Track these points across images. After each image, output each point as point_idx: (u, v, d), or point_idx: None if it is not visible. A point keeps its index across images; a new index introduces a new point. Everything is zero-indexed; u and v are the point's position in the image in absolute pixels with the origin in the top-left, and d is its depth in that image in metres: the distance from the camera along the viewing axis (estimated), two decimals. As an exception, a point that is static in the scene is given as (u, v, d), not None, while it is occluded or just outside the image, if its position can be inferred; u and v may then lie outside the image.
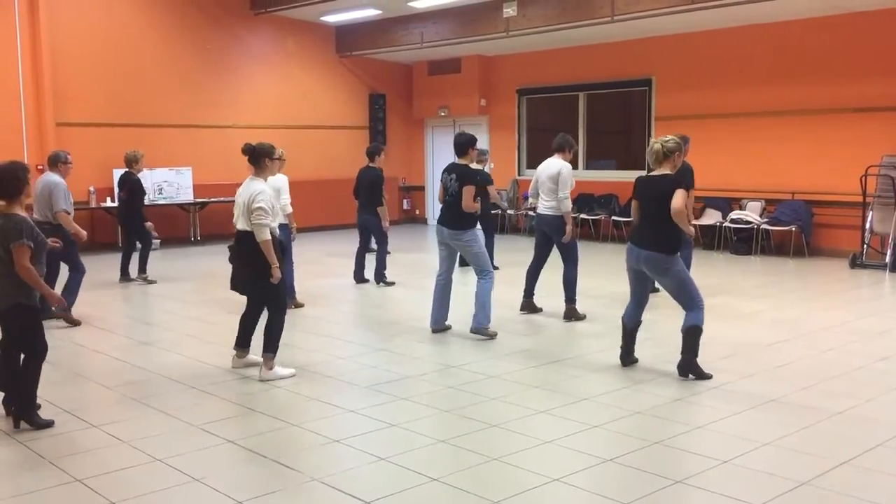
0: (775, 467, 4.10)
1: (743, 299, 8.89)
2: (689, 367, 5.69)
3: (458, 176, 6.95)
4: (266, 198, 5.65)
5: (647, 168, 6.52)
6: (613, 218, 14.18)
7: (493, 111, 16.72)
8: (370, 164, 9.91)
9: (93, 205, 13.09)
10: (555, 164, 7.75)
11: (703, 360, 5.88)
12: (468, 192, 6.84)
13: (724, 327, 7.45)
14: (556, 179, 7.66)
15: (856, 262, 10.95)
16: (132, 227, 10.20)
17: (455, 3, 13.55)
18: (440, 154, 17.64)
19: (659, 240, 5.61)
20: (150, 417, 5.01)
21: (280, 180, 8.30)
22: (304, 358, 6.36)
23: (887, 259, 10.69)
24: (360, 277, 10.07)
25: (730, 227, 12.64)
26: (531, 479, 3.99)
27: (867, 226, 11.08)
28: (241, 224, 5.72)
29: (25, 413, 4.75)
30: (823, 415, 4.90)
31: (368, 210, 9.88)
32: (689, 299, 5.68)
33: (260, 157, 5.80)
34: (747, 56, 12.84)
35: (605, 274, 10.28)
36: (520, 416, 4.93)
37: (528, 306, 8.07)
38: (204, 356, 6.48)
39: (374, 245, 10.14)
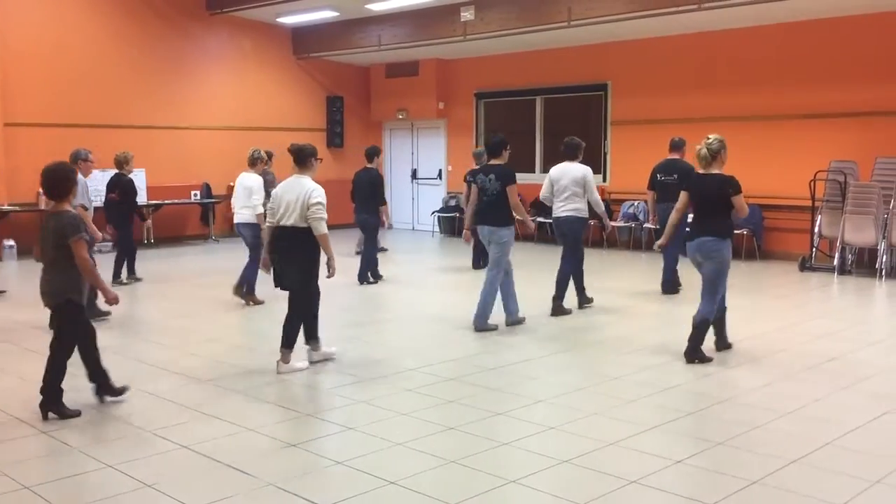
0: (727, 466, 4.18)
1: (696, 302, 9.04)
2: (697, 355, 6.27)
3: (497, 176, 7.29)
4: (322, 193, 5.93)
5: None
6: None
7: (451, 114, 16.76)
8: (368, 166, 10.46)
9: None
10: (577, 169, 8.17)
11: (658, 363, 5.98)
12: (513, 191, 7.27)
13: (681, 330, 7.57)
14: (581, 183, 8.11)
15: (805, 265, 11.19)
16: (127, 228, 10.17)
17: (413, 6, 13.55)
18: (398, 156, 17.64)
19: (714, 227, 6.26)
20: (103, 422, 4.92)
21: (253, 180, 8.60)
22: (262, 362, 6.30)
23: (835, 262, 10.94)
24: (376, 276, 10.34)
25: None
26: (488, 480, 4.00)
27: (816, 229, 11.33)
28: (290, 220, 5.90)
29: (52, 404, 4.95)
30: (773, 414, 5.00)
31: (367, 210, 10.27)
32: (715, 290, 6.31)
33: (306, 157, 6.11)
34: (700, 63, 13.06)
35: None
36: (477, 419, 4.95)
37: (584, 300, 8.53)
38: (160, 361, 6.39)
39: (359, 249, 10.38)
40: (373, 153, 10.49)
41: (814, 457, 4.30)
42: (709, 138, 6.46)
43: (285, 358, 6.02)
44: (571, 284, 8.33)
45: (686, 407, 5.17)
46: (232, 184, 15.17)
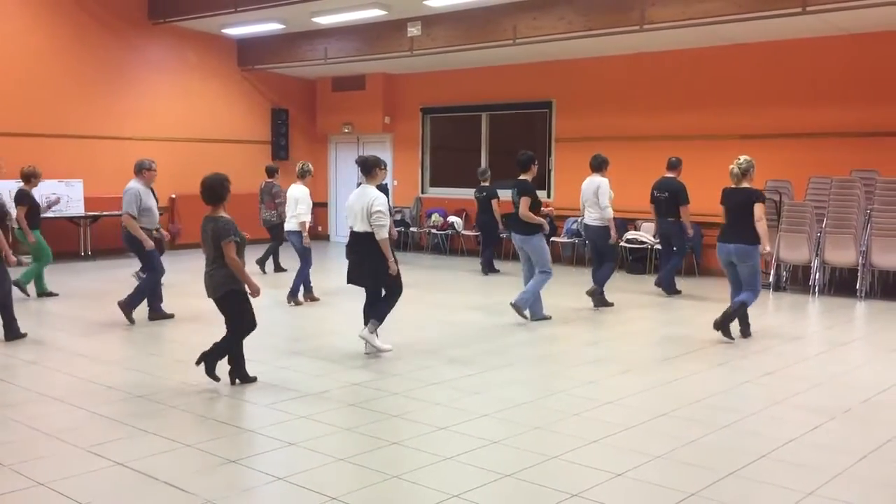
0: (666, 479, 4.24)
1: (635, 317, 9.18)
2: (725, 327, 7.51)
3: (517, 189, 8.33)
4: (383, 202, 6.70)
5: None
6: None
7: (397, 129, 16.78)
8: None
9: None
10: (595, 181, 9.41)
11: (601, 377, 6.06)
12: (524, 202, 8.19)
13: (619, 345, 7.68)
14: (597, 193, 9.29)
15: (742, 282, 11.46)
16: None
17: (360, 21, 13.57)
18: (344, 170, 17.57)
19: (744, 235, 7.50)
20: (35, 440, 4.78)
21: (300, 191, 9.49)
22: (201, 378, 6.20)
23: (770, 279, 11.21)
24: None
25: (625, 247, 13.03)
26: (431, 495, 3.99)
27: (752, 247, 11.60)
28: (359, 227, 6.73)
29: (240, 373, 5.96)
30: (710, 428, 5.10)
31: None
32: (754, 284, 7.58)
33: (371, 168, 6.89)
34: (642, 83, 13.33)
35: (511, 292, 10.40)
36: (420, 434, 4.94)
37: (601, 302, 9.45)
38: (97, 376, 6.23)
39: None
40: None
41: (749, 469, 4.38)
42: (739, 159, 7.71)
43: (372, 327, 6.83)
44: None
45: (626, 421, 5.24)
46: (174, 195, 15.11)
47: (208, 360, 5.86)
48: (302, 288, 9.61)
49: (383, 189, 12.93)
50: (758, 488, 4.16)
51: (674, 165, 10.50)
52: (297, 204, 9.43)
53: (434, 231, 15.39)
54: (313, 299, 9.70)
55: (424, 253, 15.65)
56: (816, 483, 4.18)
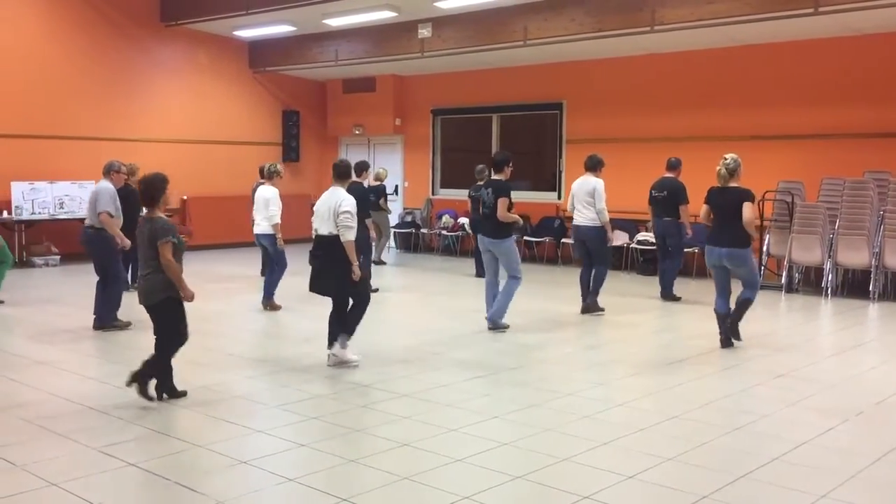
0: (677, 482, 4.22)
1: (641, 320, 9.15)
2: (734, 331, 7.37)
3: (493, 189, 7.85)
4: (352, 204, 6.38)
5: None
6: (526, 238, 14.38)
7: (408, 130, 16.79)
8: (356, 180, 10.28)
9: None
10: (590, 182, 9.00)
11: (610, 380, 6.05)
12: (502, 203, 7.76)
13: (626, 347, 7.65)
14: (592, 194, 8.89)
15: (754, 283, 11.40)
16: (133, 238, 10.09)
17: (370, 22, 13.58)
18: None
19: (736, 238, 7.07)
20: (45, 440, 4.80)
21: (270, 192, 9.12)
22: (212, 378, 6.21)
23: (782, 280, 11.17)
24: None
25: (636, 249, 12.99)
26: (442, 497, 3.99)
27: (764, 248, 11.56)
28: (325, 229, 6.41)
29: (167, 386, 5.53)
30: (722, 430, 5.07)
31: None
32: (754, 282, 7.30)
33: (345, 172, 6.71)
34: (654, 83, 13.30)
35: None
36: (430, 435, 4.93)
37: (588, 308, 9.10)
38: (108, 376, 6.25)
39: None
40: (361, 168, 10.58)
41: (761, 472, 4.36)
42: (726, 158, 7.23)
43: (343, 343, 6.48)
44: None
45: (637, 423, 5.22)
46: (185, 197, 15.17)
47: (142, 379, 5.42)
48: (265, 291, 9.24)
49: (381, 190, 13.17)
50: (770, 491, 4.13)
51: (673, 166, 10.38)
52: (268, 205, 9.04)
53: (445, 232, 15.39)
54: (274, 307, 9.21)
55: (435, 254, 15.65)
56: (830, 486, 4.15)
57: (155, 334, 5.55)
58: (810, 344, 8.02)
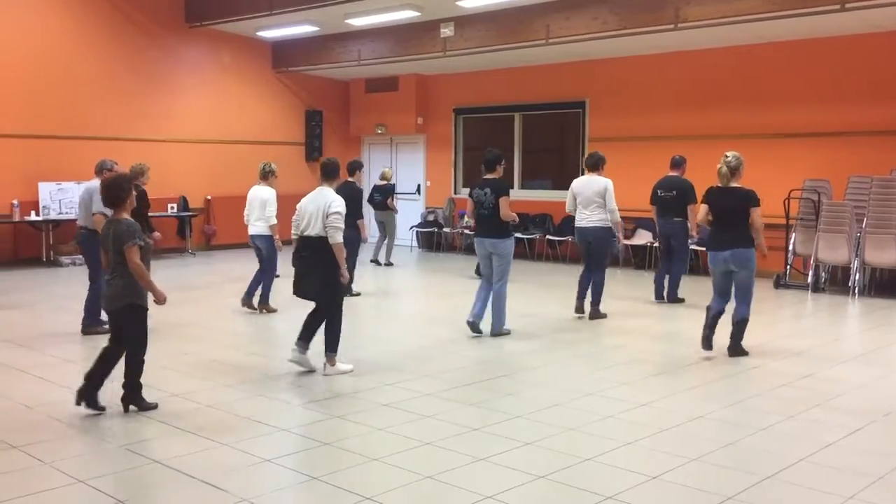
0: (702, 482, 4.19)
1: (670, 317, 9.09)
2: (738, 350, 6.97)
3: (492, 189, 7.52)
4: (342, 204, 6.21)
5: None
6: (548, 237, 14.35)
7: (430, 130, 16.80)
8: (349, 179, 10.31)
9: (16, 218, 12.68)
10: (599, 182, 8.59)
11: (633, 379, 6.03)
12: (504, 202, 7.43)
13: (648, 347, 7.61)
14: (602, 195, 8.51)
15: (779, 283, 11.29)
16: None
17: (393, 22, 13.60)
18: (377, 172, 17.58)
19: (740, 238, 6.71)
20: (72, 437, 4.85)
21: (267, 192, 8.93)
22: (256, 373, 6.25)
23: (809, 280, 11.06)
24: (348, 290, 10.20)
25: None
26: (465, 496, 3.99)
27: (790, 247, 11.45)
28: (312, 230, 6.18)
29: (135, 398, 5.29)
30: (747, 431, 5.03)
31: (345, 223, 10.12)
32: (748, 293, 6.87)
33: (333, 171, 6.54)
34: (677, 81, 13.21)
35: (537, 294, 10.37)
36: (453, 434, 4.94)
37: (581, 308, 8.82)
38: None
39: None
40: (354, 167, 10.53)
41: (788, 473, 4.32)
42: (727, 156, 6.90)
43: (331, 361, 6.31)
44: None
45: (661, 423, 5.19)
46: (209, 197, 15.29)
47: (128, 394, 5.29)
48: (245, 294, 9.02)
49: (388, 189, 13.13)
50: (796, 492, 4.10)
51: (678, 163, 9.94)
52: (266, 206, 8.79)
53: (467, 232, 15.38)
54: (251, 307, 8.99)
55: (457, 253, 15.66)
56: (857, 487, 4.10)
57: (121, 342, 5.29)
58: (837, 344, 7.93)
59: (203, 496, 3.99)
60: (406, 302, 10.69)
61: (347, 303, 9.65)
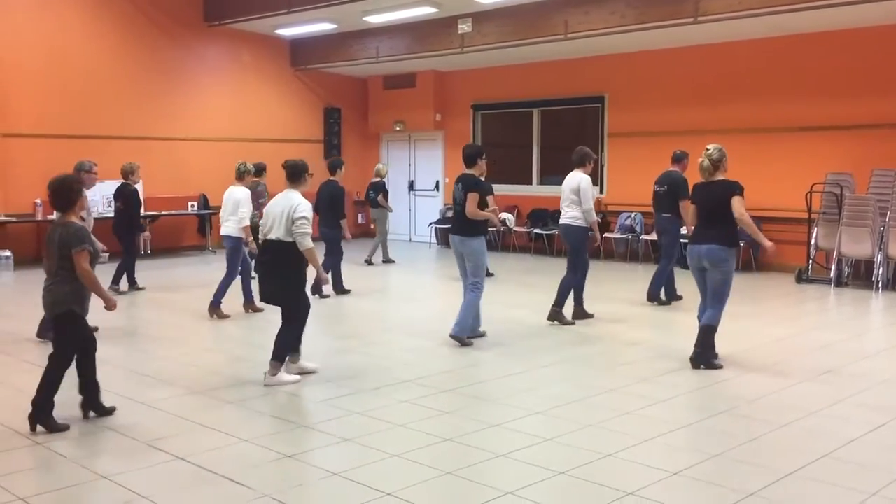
0: (723, 478, 4.17)
1: (679, 315, 9.03)
2: (703, 360, 6.36)
3: (463, 185, 7.20)
4: (307, 208, 5.94)
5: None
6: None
7: (449, 126, 16.79)
8: (331, 178, 10.19)
9: (39, 217, 12.81)
10: (575, 178, 8.26)
11: (652, 375, 6.00)
12: (471, 198, 7.09)
13: (677, 339, 7.57)
14: (577, 192, 8.17)
15: (802, 277, 11.20)
16: (131, 237, 10.37)
17: (410, 19, 13.60)
18: (396, 168, 17.64)
19: (719, 235, 6.29)
20: (97, 433, 4.90)
21: (241, 193, 8.72)
22: (258, 374, 6.29)
23: (832, 274, 10.96)
24: (340, 289, 10.17)
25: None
26: (485, 492, 3.99)
27: (812, 241, 11.35)
28: (275, 234, 5.91)
29: (45, 418, 4.87)
30: (770, 426, 4.99)
31: (326, 223, 10.09)
32: (721, 297, 6.38)
33: (300, 173, 6.18)
34: (696, 75, 13.11)
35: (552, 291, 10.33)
36: (473, 430, 4.94)
37: (581, 314, 8.47)
38: (157, 371, 6.37)
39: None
40: (335, 165, 10.44)
41: (810, 469, 4.29)
42: (708, 148, 6.57)
43: (273, 370, 5.94)
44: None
45: (682, 419, 5.16)
46: (229, 195, 15.35)
47: (90, 401, 5.13)
48: (214, 298, 8.56)
49: (380, 186, 13.03)
50: (819, 488, 4.06)
51: (678, 158, 9.67)
52: (239, 207, 8.53)
53: (489, 229, 15.35)
54: (221, 316, 8.51)
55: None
56: (880, 483, 4.07)
57: (55, 347, 5.03)
58: (860, 339, 7.85)
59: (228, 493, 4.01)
60: (418, 297, 10.68)
61: (346, 301, 9.71)
